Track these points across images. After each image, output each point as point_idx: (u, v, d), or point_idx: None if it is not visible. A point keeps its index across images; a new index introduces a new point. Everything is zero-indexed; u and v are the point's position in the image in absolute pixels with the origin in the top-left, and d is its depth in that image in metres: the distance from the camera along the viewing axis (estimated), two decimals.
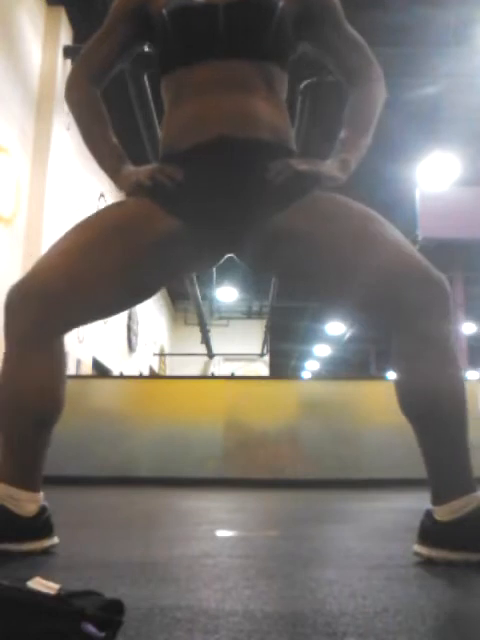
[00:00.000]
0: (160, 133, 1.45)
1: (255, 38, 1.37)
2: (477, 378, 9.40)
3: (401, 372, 1.29)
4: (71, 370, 6.13)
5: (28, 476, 1.30)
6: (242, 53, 1.36)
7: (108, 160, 1.43)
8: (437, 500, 1.23)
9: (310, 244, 1.29)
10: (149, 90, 5.59)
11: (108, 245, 1.31)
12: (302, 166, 1.31)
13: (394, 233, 1.30)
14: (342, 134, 1.41)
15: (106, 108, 1.49)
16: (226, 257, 1.46)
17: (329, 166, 1.35)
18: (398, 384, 1.29)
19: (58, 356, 1.33)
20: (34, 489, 1.30)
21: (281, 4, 1.37)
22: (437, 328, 1.23)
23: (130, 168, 1.40)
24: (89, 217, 1.38)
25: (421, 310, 1.22)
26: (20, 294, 1.28)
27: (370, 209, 1.33)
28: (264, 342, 14.70)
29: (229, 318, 14.80)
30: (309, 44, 1.48)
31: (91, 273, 1.29)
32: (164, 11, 1.38)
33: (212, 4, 1.36)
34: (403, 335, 1.26)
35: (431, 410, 1.23)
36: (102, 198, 7.21)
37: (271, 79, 1.38)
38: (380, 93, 1.46)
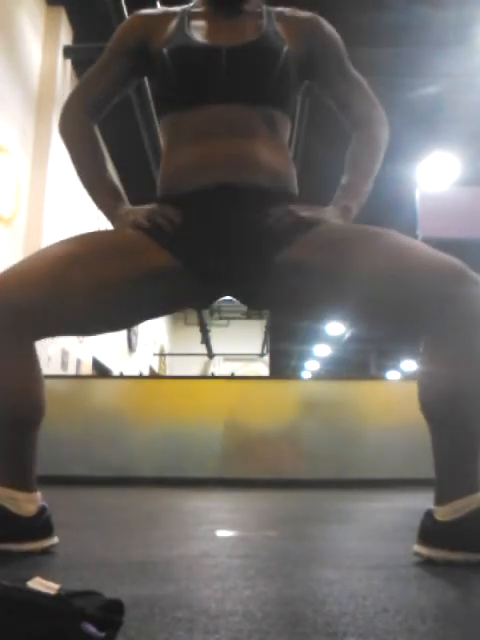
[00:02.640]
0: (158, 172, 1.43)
1: (258, 83, 1.35)
2: None
3: (426, 371, 1.26)
4: (71, 370, 6.13)
5: (20, 477, 1.29)
6: (244, 97, 1.34)
7: (103, 198, 1.41)
8: (440, 500, 1.22)
9: (319, 271, 1.26)
10: (149, 90, 5.59)
11: (98, 265, 1.27)
12: (303, 213, 1.30)
13: (401, 238, 1.26)
14: (344, 180, 1.39)
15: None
16: (220, 299, 1.44)
17: (330, 213, 1.33)
18: (422, 382, 1.26)
19: (31, 358, 1.30)
20: (29, 489, 1.29)
21: (286, 49, 1.35)
22: (464, 327, 1.18)
23: (127, 207, 1.38)
24: (85, 234, 1.36)
25: (446, 310, 1.18)
26: None
27: (370, 226, 1.30)
28: (264, 342, 14.71)
29: (229, 318, 14.79)
30: (312, 85, 1.47)
31: (71, 287, 1.25)
32: (165, 51, 1.35)
33: (215, 47, 1.34)
34: (429, 336, 1.23)
35: (452, 411, 1.20)
36: None
37: (273, 123, 1.36)
38: (383, 136, 1.44)
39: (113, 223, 1.39)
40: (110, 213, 1.39)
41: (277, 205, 1.31)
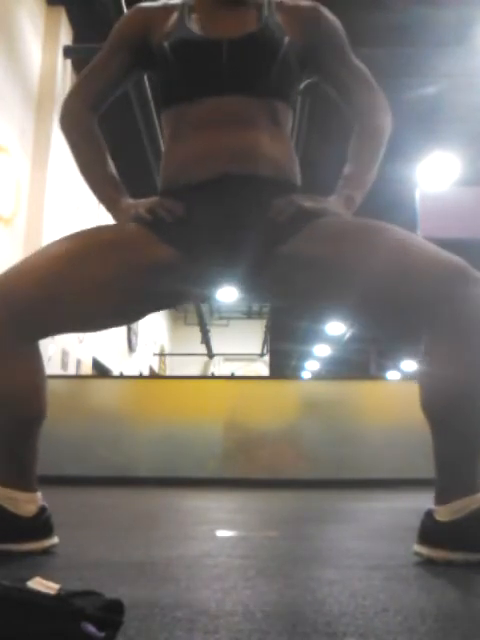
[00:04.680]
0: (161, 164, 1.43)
1: (259, 74, 1.35)
2: None
3: (428, 371, 1.25)
4: (71, 370, 6.13)
5: (21, 477, 1.29)
6: (246, 89, 1.34)
7: (105, 191, 1.41)
8: (440, 500, 1.22)
9: (318, 265, 1.26)
10: (149, 90, 5.59)
11: (98, 260, 1.28)
12: (306, 203, 1.29)
13: (402, 234, 1.26)
14: (346, 169, 1.39)
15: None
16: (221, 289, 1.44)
17: (333, 203, 1.32)
18: (423, 383, 1.26)
19: (34, 358, 1.31)
20: (30, 489, 1.30)
21: (287, 39, 1.35)
22: (469, 329, 1.18)
23: (128, 201, 1.38)
24: (84, 230, 1.36)
25: (448, 310, 1.18)
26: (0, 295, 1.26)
27: (371, 220, 1.30)
28: (264, 342, 14.70)
29: (229, 318, 14.79)
30: (314, 75, 1.47)
31: (73, 284, 1.27)
32: (165, 44, 1.35)
33: (216, 39, 1.34)
34: (430, 336, 1.22)
35: (453, 412, 1.20)
36: None
37: (275, 114, 1.36)
38: (386, 124, 1.44)
39: (114, 216, 1.39)
40: (111, 206, 1.40)
41: (279, 196, 1.31)
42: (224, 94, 1.33)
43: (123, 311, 1.39)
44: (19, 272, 1.28)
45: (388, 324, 1.36)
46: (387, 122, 1.45)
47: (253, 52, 1.35)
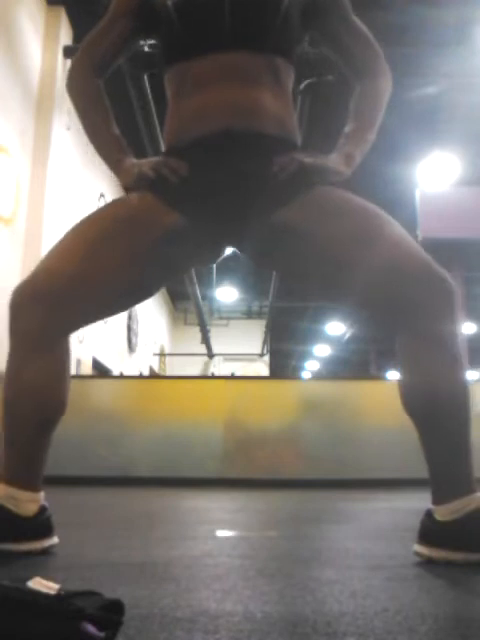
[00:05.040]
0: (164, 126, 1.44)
1: (261, 31, 1.36)
2: (477, 378, 9.41)
3: (404, 371, 1.28)
4: (71, 370, 6.12)
5: (29, 476, 1.30)
6: (248, 45, 1.35)
7: (110, 151, 1.42)
8: (437, 500, 1.22)
9: (311, 242, 1.28)
10: (149, 90, 5.58)
11: (111, 242, 1.30)
12: (307, 160, 1.31)
13: (396, 229, 1.28)
14: (347, 128, 1.40)
15: None
16: (228, 253, 1.45)
17: (334, 160, 1.34)
18: (401, 383, 1.28)
19: (62, 357, 1.33)
20: (34, 489, 1.30)
21: None
22: (440, 327, 1.22)
23: (132, 160, 1.39)
24: (91, 215, 1.37)
25: (424, 308, 1.21)
26: (25, 295, 1.28)
27: (372, 205, 1.32)
28: (264, 342, 14.69)
29: (229, 318, 14.79)
30: (315, 35, 1.47)
31: (95, 272, 1.29)
32: (168, 2, 1.37)
33: None
34: (406, 333, 1.25)
35: (433, 410, 1.22)
36: (102, 198, 7.20)
37: (277, 72, 1.37)
38: (387, 86, 1.45)
39: (118, 176, 1.40)
40: (115, 166, 1.40)
41: (282, 152, 1.32)
42: (227, 50, 1.34)
43: (143, 287, 1.40)
44: (46, 270, 1.31)
45: (371, 312, 1.39)
46: (388, 84, 1.46)
47: (255, 8, 1.36)
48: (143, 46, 1.48)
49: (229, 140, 1.31)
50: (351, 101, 1.44)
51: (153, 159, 1.38)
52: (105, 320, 1.56)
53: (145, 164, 1.35)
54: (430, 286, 1.22)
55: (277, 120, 1.36)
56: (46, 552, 1.29)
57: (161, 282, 1.45)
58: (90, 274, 1.29)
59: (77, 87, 1.48)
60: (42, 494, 1.32)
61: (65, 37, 5.86)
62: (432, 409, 1.23)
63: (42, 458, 1.32)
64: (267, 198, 1.30)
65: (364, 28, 1.46)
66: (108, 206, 1.42)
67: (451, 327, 1.23)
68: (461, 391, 1.23)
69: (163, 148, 1.42)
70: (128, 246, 1.30)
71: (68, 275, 1.28)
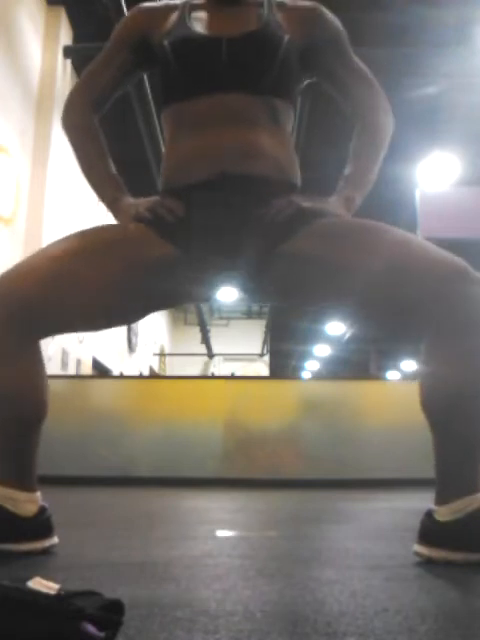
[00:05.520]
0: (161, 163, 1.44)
1: (259, 73, 1.35)
2: None
3: (428, 371, 1.25)
4: (71, 370, 6.13)
5: (21, 477, 1.29)
6: (245, 87, 1.34)
7: (106, 190, 1.41)
8: (440, 500, 1.22)
9: (319, 262, 1.26)
10: (149, 90, 5.58)
11: (99, 259, 1.28)
12: (305, 204, 1.29)
13: (400, 233, 1.27)
14: (347, 170, 1.39)
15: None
16: (219, 291, 1.44)
17: (333, 204, 1.32)
18: (423, 383, 1.26)
19: (35, 358, 1.31)
20: (30, 489, 1.30)
21: (287, 38, 1.35)
22: (463, 328, 1.18)
23: (129, 200, 1.38)
24: (86, 230, 1.36)
25: (445, 309, 1.18)
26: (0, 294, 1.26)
27: (371, 220, 1.30)
28: (264, 342, 14.70)
29: (229, 318, 14.79)
30: (315, 75, 1.47)
31: (74, 283, 1.27)
32: (166, 42, 1.36)
33: (215, 37, 1.34)
34: (428, 335, 1.23)
35: (453, 412, 1.20)
36: None
37: (275, 113, 1.36)
38: (387, 122, 1.44)
39: (115, 215, 1.39)
40: (112, 205, 1.40)
41: (279, 196, 1.31)
42: (224, 92, 1.33)
43: (124, 311, 1.38)
44: (19, 272, 1.28)
45: (388, 323, 1.36)
46: (388, 122, 1.44)
47: (253, 50, 1.35)
48: (144, 74, 1.47)
49: (226, 183, 1.30)
50: (352, 140, 1.42)
51: (150, 199, 1.36)
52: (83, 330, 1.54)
53: (142, 204, 1.34)
54: (450, 285, 1.18)
55: (275, 162, 1.34)
56: (46, 552, 1.29)
57: (140, 312, 1.41)
58: (65, 285, 1.26)
59: (73, 122, 1.47)
60: (39, 494, 1.32)
61: (65, 37, 5.86)
62: (453, 411, 1.20)
63: (31, 459, 1.31)
64: (265, 239, 1.28)
65: (363, 66, 1.45)
66: (104, 226, 1.39)
67: (474, 329, 1.19)
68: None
69: (160, 187, 1.40)
70: (116, 267, 1.28)
71: (49, 280, 1.25)
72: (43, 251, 1.33)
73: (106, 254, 1.30)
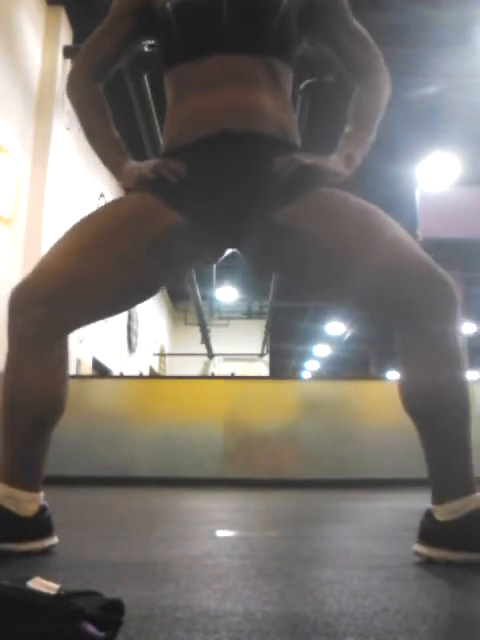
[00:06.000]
0: (164, 128, 1.45)
1: (259, 33, 1.36)
2: (477, 378, 9.41)
3: (404, 370, 1.28)
4: (71, 370, 6.13)
5: (29, 476, 1.30)
6: (246, 48, 1.35)
7: (110, 155, 1.43)
8: (437, 500, 1.22)
9: (311, 243, 1.28)
10: (149, 90, 5.58)
11: (110, 242, 1.31)
12: (307, 161, 1.31)
13: (395, 230, 1.29)
14: (347, 129, 1.41)
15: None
16: (228, 253, 1.45)
17: (334, 161, 1.34)
18: (401, 383, 1.29)
19: (61, 357, 1.33)
20: (34, 489, 1.30)
21: None
22: (441, 327, 1.22)
23: (132, 163, 1.40)
24: (91, 214, 1.38)
25: (424, 308, 1.21)
26: (24, 295, 1.28)
27: (371, 205, 1.32)
28: (264, 342, 14.69)
29: (229, 318, 14.79)
30: (314, 37, 1.47)
31: (94, 272, 1.29)
32: (168, 5, 1.37)
33: None
34: (406, 333, 1.25)
35: (433, 410, 1.23)
36: (102, 198, 7.20)
37: (276, 73, 1.37)
38: (385, 86, 1.45)
39: (118, 179, 1.41)
40: (115, 169, 1.41)
41: (281, 153, 1.32)
42: (225, 53, 1.34)
43: (142, 287, 1.40)
44: (42, 272, 1.30)
45: (371, 312, 1.41)
46: (387, 83, 1.46)
47: (253, 10, 1.36)
48: (143, 46, 1.48)
49: (227, 141, 1.31)
50: (351, 102, 1.44)
51: (152, 161, 1.38)
52: (105, 320, 1.56)
53: (144, 166, 1.36)
54: (430, 286, 1.22)
55: (276, 121, 1.36)
56: (46, 552, 1.29)
57: (162, 281, 1.45)
58: (89, 273, 1.29)
59: (77, 91, 1.48)
60: (42, 494, 1.32)
61: (65, 37, 5.86)
62: (432, 409, 1.23)
63: (41, 458, 1.32)
64: (267, 197, 1.30)
65: (363, 29, 1.46)
66: (107, 205, 1.42)
67: (451, 327, 1.23)
68: (461, 391, 1.24)
69: (162, 149, 1.42)
70: (128, 245, 1.30)
71: (67, 275, 1.28)
72: (58, 247, 1.34)
73: (119, 234, 1.31)
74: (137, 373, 8.76)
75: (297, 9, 1.39)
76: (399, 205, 7.57)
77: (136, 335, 9.93)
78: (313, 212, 1.29)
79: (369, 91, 1.43)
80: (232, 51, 1.35)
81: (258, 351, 14.73)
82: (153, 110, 5.82)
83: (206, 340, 13.73)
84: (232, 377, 6.90)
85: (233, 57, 1.35)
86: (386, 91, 1.46)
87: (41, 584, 0.70)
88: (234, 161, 1.31)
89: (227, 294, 13.36)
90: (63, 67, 5.78)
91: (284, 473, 4.15)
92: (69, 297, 1.28)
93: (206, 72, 1.35)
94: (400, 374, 1.30)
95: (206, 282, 11.78)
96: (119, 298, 1.38)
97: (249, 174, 1.31)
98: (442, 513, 1.21)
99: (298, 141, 1.41)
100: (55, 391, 1.31)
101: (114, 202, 1.43)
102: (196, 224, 1.31)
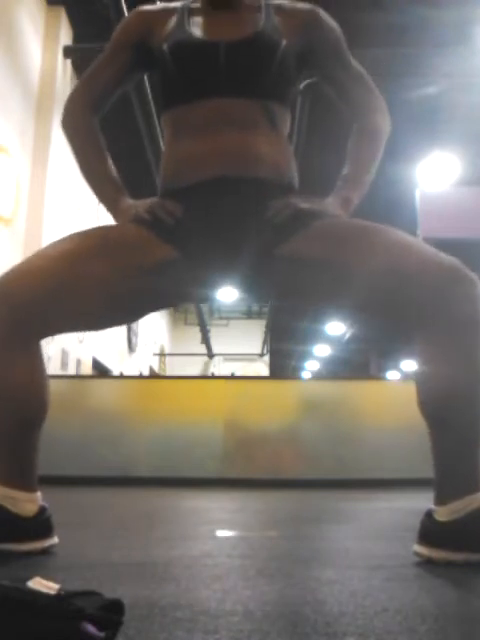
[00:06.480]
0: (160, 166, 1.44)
1: (257, 77, 1.35)
2: None
3: (423, 372, 1.26)
4: (71, 370, 6.13)
5: (21, 477, 1.29)
6: (243, 91, 1.34)
7: (106, 192, 1.42)
8: (440, 500, 1.22)
9: (318, 265, 1.27)
10: (149, 90, 5.58)
11: (98, 260, 1.29)
12: (302, 205, 1.30)
13: (400, 235, 1.27)
14: (345, 170, 1.40)
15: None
16: (219, 291, 1.45)
17: (331, 204, 1.34)
18: (419, 383, 1.27)
19: (36, 358, 1.31)
20: (30, 489, 1.30)
21: (284, 43, 1.35)
22: (459, 329, 1.19)
23: (128, 201, 1.39)
24: (85, 230, 1.37)
25: (441, 310, 1.19)
26: None
27: (367, 221, 1.31)
28: (264, 342, 14.70)
29: (229, 318, 14.79)
30: (312, 76, 1.47)
31: (73, 284, 1.27)
32: (165, 46, 1.36)
33: (214, 42, 1.35)
34: (424, 336, 1.24)
35: (449, 412, 1.21)
36: None
37: (272, 116, 1.37)
38: (384, 123, 1.45)
39: (114, 217, 1.40)
40: (112, 207, 1.40)
41: (277, 198, 1.32)
42: (222, 96, 1.34)
43: (123, 311, 1.39)
44: (20, 272, 1.29)
45: (386, 323, 1.38)
46: (386, 124, 1.46)
47: (250, 55, 1.35)
48: (144, 75, 1.47)
49: (223, 187, 1.31)
50: (349, 141, 1.44)
51: (149, 200, 1.37)
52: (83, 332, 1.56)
53: (141, 205, 1.35)
54: (446, 287, 1.19)
55: (272, 164, 1.35)
56: (46, 552, 1.29)
57: (142, 311, 1.42)
58: (65, 285, 1.27)
59: (73, 124, 1.47)
60: (39, 494, 1.32)
61: (65, 37, 5.87)
62: (449, 411, 1.21)
63: (32, 459, 1.32)
64: (263, 240, 1.29)
65: (361, 69, 1.46)
66: (104, 226, 1.40)
67: (470, 328, 1.20)
68: (478, 393, 1.22)
69: (158, 189, 1.41)
70: (112, 267, 1.29)
71: (39, 282, 1.26)
72: (43, 251, 1.33)
73: (106, 255, 1.30)
74: (137, 373, 8.77)
75: (295, 52, 1.39)
76: (399, 205, 7.57)
77: (136, 335, 9.93)
78: (316, 239, 1.28)
79: (368, 131, 1.43)
80: (229, 95, 1.34)
81: (258, 351, 14.73)
82: (153, 110, 5.82)
83: (206, 340, 13.73)
84: (232, 377, 6.91)
85: (230, 101, 1.34)
86: (385, 127, 1.45)
87: (41, 584, 0.70)
88: (230, 206, 1.30)
89: (227, 294, 13.33)
90: (63, 67, 5.79)
91: (284, 473, 4.15)
92: (40, 302, 1.26)
93: (203, 115, 1.34)
94: (418, 374, 1.28)
95: None
96: (97, 314, 1.35)
97: (245, 219, 1.30)
98: (442, 513, 1.20)
99: (295, 182, 1.40)
100: (36, 390, 1.30)
101: (107, 226, 1.41)
102: (189, 261, 1.30)
